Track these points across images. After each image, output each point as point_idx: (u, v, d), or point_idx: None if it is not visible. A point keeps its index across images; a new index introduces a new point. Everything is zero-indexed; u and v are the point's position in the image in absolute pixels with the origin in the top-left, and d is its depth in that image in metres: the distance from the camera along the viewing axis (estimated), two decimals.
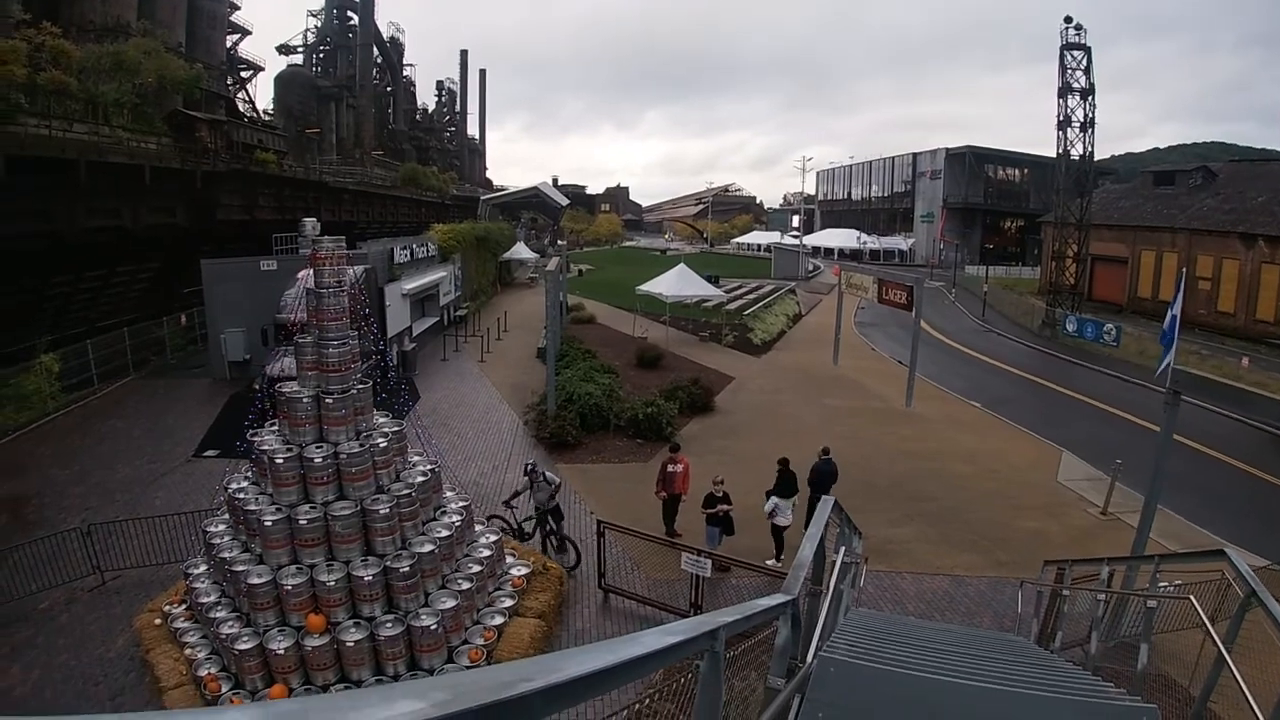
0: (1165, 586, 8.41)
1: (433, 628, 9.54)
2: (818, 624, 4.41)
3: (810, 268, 69.26)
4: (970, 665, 4.75)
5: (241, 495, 10.30)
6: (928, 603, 12.47)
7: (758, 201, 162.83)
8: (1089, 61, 38.77)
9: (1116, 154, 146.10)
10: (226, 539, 10.51)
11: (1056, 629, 9.59)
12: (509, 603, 11.05)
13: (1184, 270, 22.87)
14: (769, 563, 13.23)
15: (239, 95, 64.85)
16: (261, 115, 66.99)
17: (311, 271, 10.46)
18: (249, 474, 10.90)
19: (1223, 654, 4.92)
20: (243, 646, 9.23)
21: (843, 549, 6.25)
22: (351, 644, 9.23)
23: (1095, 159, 41.60)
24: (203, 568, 10.93)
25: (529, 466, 13.70)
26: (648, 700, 5.93)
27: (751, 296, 47.05)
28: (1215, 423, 20.99)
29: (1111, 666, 8.17)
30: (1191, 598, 6.23)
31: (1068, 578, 10.17)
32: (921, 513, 15.87)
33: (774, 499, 13.51)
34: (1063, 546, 13.75)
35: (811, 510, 12.14)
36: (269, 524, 9.52)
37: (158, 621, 10.76)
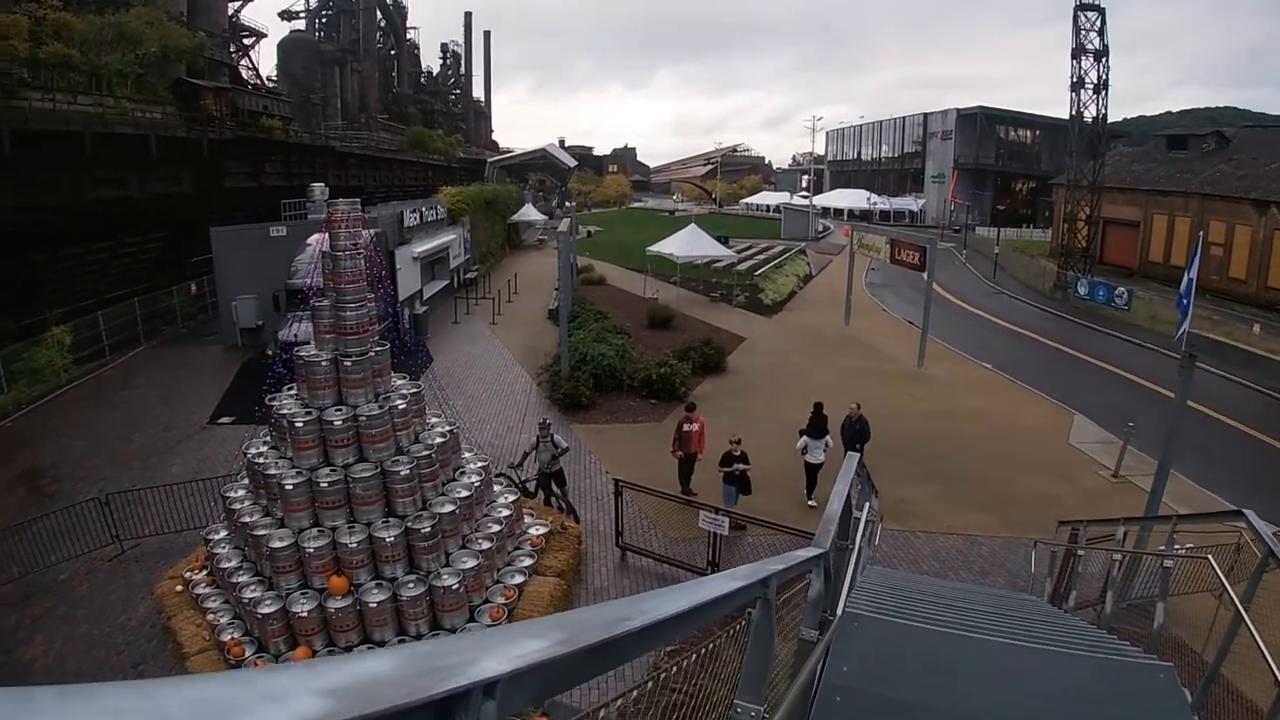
0: (1178, 549, 8.46)
1: (454, 587, 9.66)
2: (845, 579, 4.47)
3: (820, 228, 68.80)
4: (987, 621, 4.81)
5: (261, 460, 10.37)
6: (941, 561, 12.58)
7: (766, 162, 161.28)
8: (1103, 23, 38.00)
9: (1129, 116, 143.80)
10: (247, 504, 10.60)
11: (1070, 589, 9.64)
12: (528, 562, 11.18)
13: (1201, 235, 22.56)
14: (810, 504, 13.97)
15: (242, 62, 64.21)
16: (265, 82, 66.48)
17: (326, 235, 10.46)
18: (268, 439, 10.96)
19: (1240, 613, 4.96)
20: (265, 610, 9.36)
21: (867, 505, 6.31)
22: (374, 605, 9.36)
23: (1109, 121, 40.97)
24: (223, 533, 11.06)
25: (544, 422, 13.85)
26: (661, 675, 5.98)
27: (762, 257, 46.59)
28: (1229, 388, 20.95)
29: (1125, 627, 8.24)
30: (1210, 558, 6.26)
31: (1082, 538, 10.21)
32: (934, 473, 15.93)
33: (804, 438, 14.13)
34: (1074, 508, 13.78)
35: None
36: (290, 488, 9.60)
37: (179, 588, 10.91)
